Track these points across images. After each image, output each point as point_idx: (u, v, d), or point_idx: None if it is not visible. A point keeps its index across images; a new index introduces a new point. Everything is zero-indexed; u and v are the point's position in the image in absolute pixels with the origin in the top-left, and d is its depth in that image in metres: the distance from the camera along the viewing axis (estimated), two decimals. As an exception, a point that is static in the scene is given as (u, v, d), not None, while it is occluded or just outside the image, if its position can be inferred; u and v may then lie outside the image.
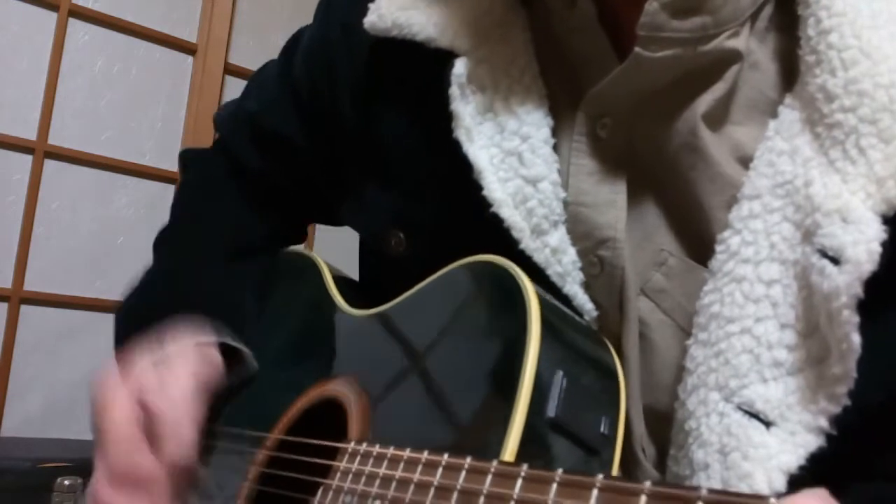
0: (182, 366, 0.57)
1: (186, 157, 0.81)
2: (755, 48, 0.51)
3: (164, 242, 0.75)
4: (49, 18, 2.10)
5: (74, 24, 2.14)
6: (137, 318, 0.66)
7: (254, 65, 2.34)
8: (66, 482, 1.63)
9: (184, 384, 0.56)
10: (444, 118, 0.53)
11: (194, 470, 0.55)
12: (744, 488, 0.42)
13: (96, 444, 0.56)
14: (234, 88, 2.35)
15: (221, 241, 0.73)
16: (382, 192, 0.61)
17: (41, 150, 2.07)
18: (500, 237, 0.51)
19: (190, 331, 0.61)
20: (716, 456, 0.44)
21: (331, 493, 0.47)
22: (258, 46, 2.41)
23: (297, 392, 0.59)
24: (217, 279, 0.69)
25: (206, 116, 2.30)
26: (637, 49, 0.48)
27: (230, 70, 2.37)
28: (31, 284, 2.06)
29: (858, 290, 0.40)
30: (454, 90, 0.52)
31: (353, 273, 0.72)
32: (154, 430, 0.54)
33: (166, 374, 0.57)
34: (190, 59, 2.33)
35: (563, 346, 0.45)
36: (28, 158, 2.06)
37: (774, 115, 0.49)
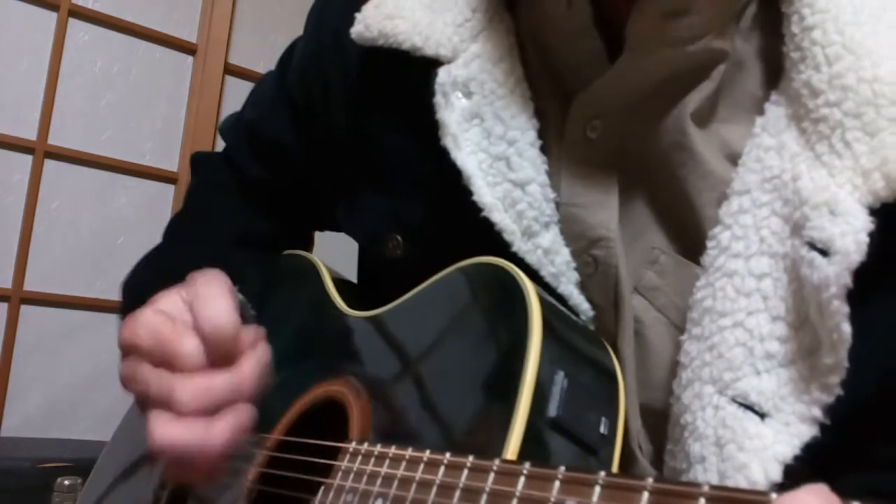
0: (195, 280, 0.54)
1: (197, 159, 0.82)
2: (740, 47, 0.52)
3: (173, 229, 0.77)
4: (49, 18, 2.10)
5: (74, 24, 2.14)
6: (142, 286, 0.66)
7: (254, 65, 2.37)
8: (66, 482, 1.63)
9: (205, 281, 0.52)
10: (432, 125, 0.54)
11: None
12: (740, 479, 0.43)
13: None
14: (234, 88, 2.36)
15: (228, 230, 0.74)
16: (377, 196, 0.62)
17: (41, 150, 2.07)
18: (493, 240, 0.51)
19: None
20: (712, 448, 0.45)
21: (332, 492, 0.47)
22: (258, 46, 2.41)
23: (298, 393, 0.59)
24: (225, 257, 0.69)
25: (206, 116, 2.30)
26: (627, 51, 0.49)
27: (230, 70, 2.37)
28: (31, 284, 2.06)
29: (847, 281, 0.41)
30: (438, 99, 0.53)
31: (352, 275, 0.73)
32: (185, 317, 0.50)
33: (184, 287, 0.53)
34: (190, 59, 2.34)
35: (564, 347, 0.45)
36: (28, 158, 2.06)
37: (761, 112, 0.50)
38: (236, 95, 2.34)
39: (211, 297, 0.51)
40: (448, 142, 0.53)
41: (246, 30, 2.42)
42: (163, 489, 0.66)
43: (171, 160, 2.29)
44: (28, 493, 1.64)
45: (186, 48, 2.32)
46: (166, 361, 0.49)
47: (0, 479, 1.65)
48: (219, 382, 0.48)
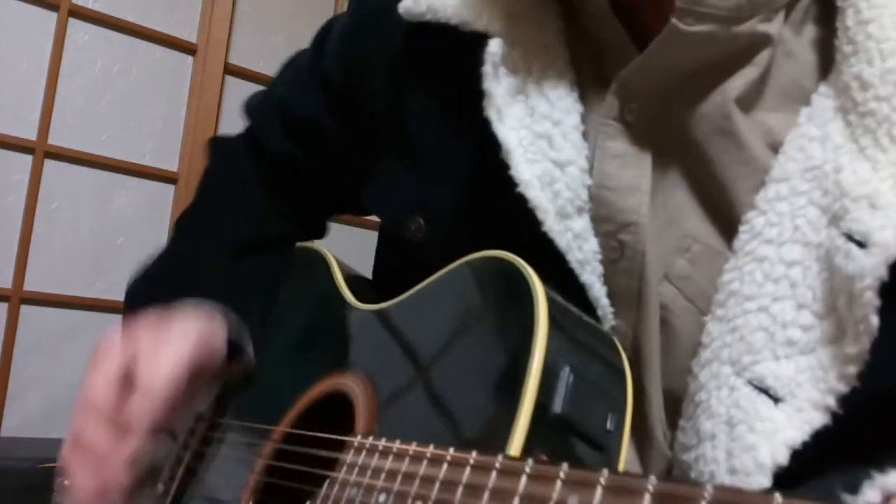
0: (180, 337, 0.59)
1: (213, 143, 0.82)
2: (791, 38, 0.51)
3: (184, 223, 0.77)
4: (49, 18, 2.10)
5: (74, 24, 2.14)
6: (144, 297, 0.68)
7: (254, 65, 2.37)
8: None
9: (176, 358, 0.58)
10: (475, 99, 0.53)
11: (147, 456, 0.58)
12: (747, 460, 0.43)
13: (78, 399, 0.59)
14: (234, 88, 2.35)
15: (240, 230, 0.74)
16: (407, 176, 0.62)
17: (41, 150, 2.07)
18: (523, 220, 0.51)
19: (201, 309, 0.63)
20: (722, 427, 0.45)
21: (337, 486, 0.47)
22: (258, 46, 2.40)
23: (305, 386, 0.60)
24: (229, 271, 0.70)
25: (206, 116, 2.30)
26: (673, 20, 0.48)
27: (230, 70, 2.37)
28: (31, 284, 2.06)
29: (883, 273, 0.41)
30: (487, 69, 0.52)
31: (360, 269, 0.73)
32: (128, 401, 0.57)
33: (162, 343, 0.59)
34: (190, 59, 2.34)
35: (570, 342, 0.45)
36: (28, 158, 2.06)
37: (807, 103, 0.49)
38: (236, 95, 2.33)
39: (159, 354, 0.58)
40: (492, 113, 0.52)
41: (246, 30, 2.42)
42: (171, 481, 0.67)
43: (171, 160, 2.29)
44: (28, 493, 1.64)
45: (186, 48, 2.32)
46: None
47: (0, 479, 1.65)
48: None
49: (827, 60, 0.50)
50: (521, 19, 0.55)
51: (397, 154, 0.63)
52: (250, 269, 0.72)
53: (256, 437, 0.61)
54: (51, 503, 1.61)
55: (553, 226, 0.51)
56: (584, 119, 0.54)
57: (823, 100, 0.49)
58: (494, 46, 0.53)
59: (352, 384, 0.54)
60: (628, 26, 0.53)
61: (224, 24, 2.36)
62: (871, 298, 0.41)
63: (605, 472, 0.31)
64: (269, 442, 0.59)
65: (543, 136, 0.52)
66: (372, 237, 0.73)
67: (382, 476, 0.44)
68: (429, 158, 0.60)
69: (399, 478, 0.42)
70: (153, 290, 0.69)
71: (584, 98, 0.54)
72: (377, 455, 0.45)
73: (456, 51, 0.56)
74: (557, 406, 0.41)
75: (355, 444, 0.48)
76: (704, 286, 0.51)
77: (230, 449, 0.64)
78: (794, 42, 0.52)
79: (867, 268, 0.41)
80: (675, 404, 0.51)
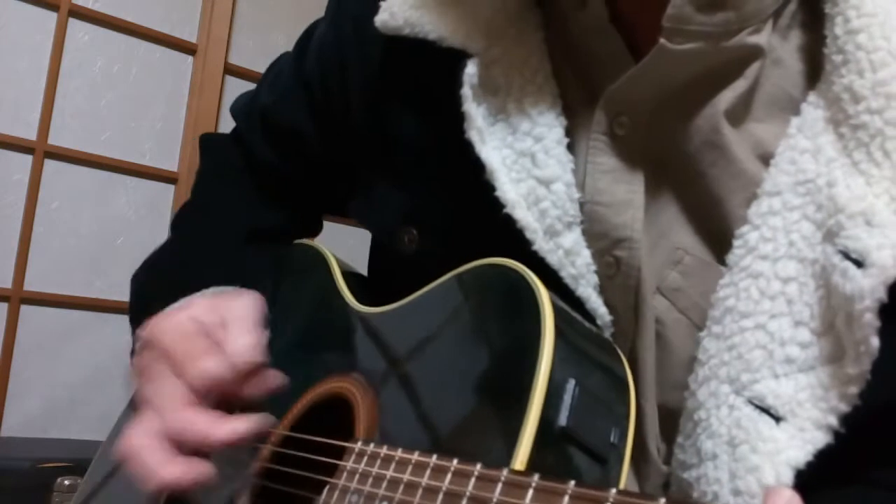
0: (233, 299, 0.56)
1: (205, 141, 0.81)
2: (778, 45, 0.51)
3: (182, 222, 0.76)
4: (49, 18, 2.09)
5: (74, 24, 2.14)
6: (153, 290, 0.66)
7: (254, 65, 2.37)
8: (66, 482, 1.63)
9: (242, 306, 0.55)
10: (457, 118, 0.53)
11: (264, 372, 0.53)
12: (751, 481, 0.43)
13: (144, 381, 0.53)
14: (234, 88, 2.35)
15: (237, 225, 0.73)
16: (394, 189, 0.61)
17: (41, 150, 2.07)
18: (513, 238, 0.51)
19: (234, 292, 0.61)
20: (724, 447, 0.45)
21: (337, 492, 0.47)
22: (258, 46, 2.40)
23: (304, 388, 0.59)
24: (232, 258, 0.70)
25: (206, 116, 2.30)
26: (662, 41, 0.48)
27: (230, 70, 2.37)
28: (31, 284, 2.05)
29: (882, 294, 0.41)
30: (466, 91, 0.52)
31: (360, 267, 0.72)
32: (217, 335, 0.53)
33: (221, 303, 0.56)
34: (190, 59, 2.33)
35: (576, 354, 0.45)
36: (28, 158, 2.06)
37: (796, 112, 0.49)
38: (236, 95, 2.32)
39: (244, 328, 0.53)
40: (473, 135, 0.52)
41: (246, 30, 2.41)
42: None
43: (171, 160, 2.28)
44: (28, 493, 1.64)
45: (186, 48, 2.32)
46: (184, 371, 0.51)
47: (0, 479, 1.65)
48: (215, 436, 0.50)
49: (814, 68, 0.50)
50: (501, 33, 0.54)
51: (383, 167, 0.62)
52: (253, 257, 0.71)
53: (254, 438, 0.60)
54: (51, 503, 1.61)
55: (542, 245, 0.51)
56: (568, 132, 0.53)
57: (813, 110, 0.48)
58: (472, 68, 0.52)
59: (352, 388, 0.54)
60: (624, 40, 0.53)
61: (224, 24, 2.35)
62: (871, 320, 0.41)
63: (614, 492, 0.31)
64: (267, 444, 0.59)
65: (526, 154, 0.52)
66: (369, 237, 0.72)
67: (384, 484, 0.43)
68: (416, 173, 0.59)
69: (401, 487, 0.42)
70: (162, 282, 0.67)
71: (569, 111, 0.54)
72: (379, 462, 0.45)
73: (435, 66, 0.55)
74: (563, 419, 0.41)
75: (356, 449, 0.47)
76: (697, 298, 0.50)
77: (227, 450, 0.63)
78: (781, 49, 0.51)
79: (866, 289, 0.41)
80: (670, 419, 0.50)
